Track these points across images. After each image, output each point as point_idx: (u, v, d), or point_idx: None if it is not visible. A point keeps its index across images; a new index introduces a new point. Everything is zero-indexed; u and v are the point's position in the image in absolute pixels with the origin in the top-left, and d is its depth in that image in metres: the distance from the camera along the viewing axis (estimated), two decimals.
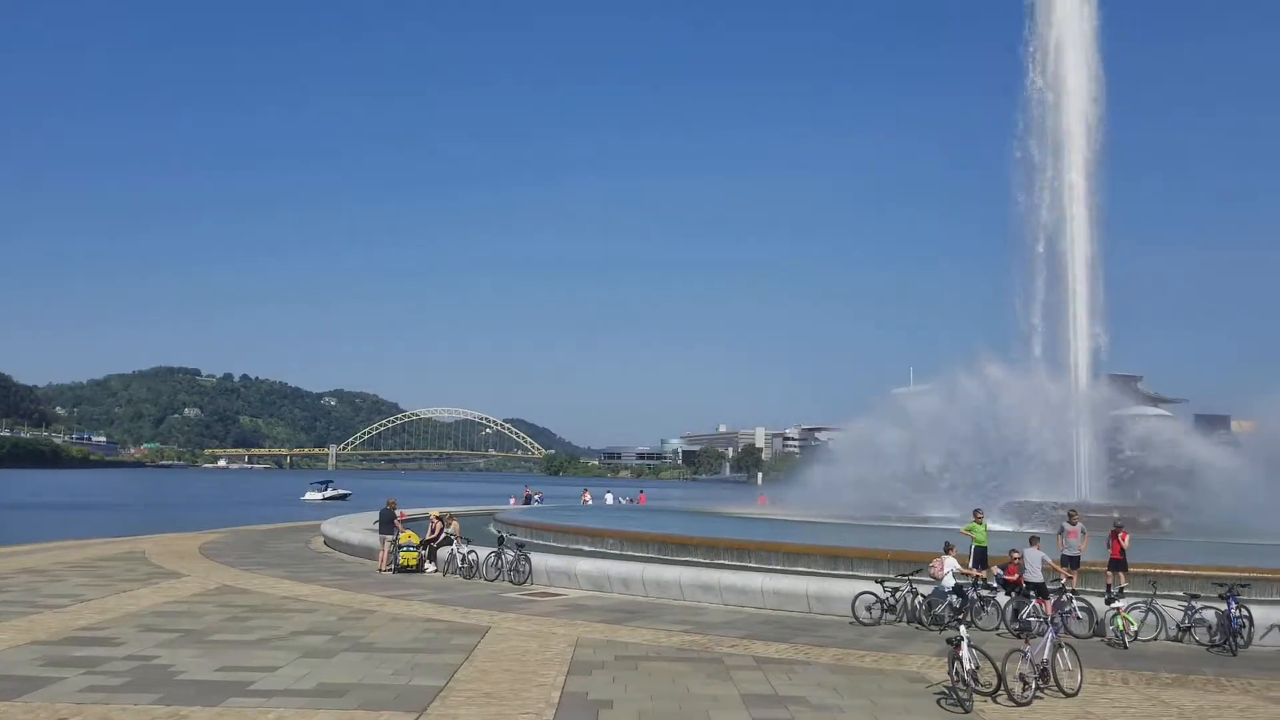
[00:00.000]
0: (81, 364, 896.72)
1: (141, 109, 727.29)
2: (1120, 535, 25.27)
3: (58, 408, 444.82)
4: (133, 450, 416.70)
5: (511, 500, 71.91)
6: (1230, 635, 20.50)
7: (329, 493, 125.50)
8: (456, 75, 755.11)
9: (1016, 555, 23.38)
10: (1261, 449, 53.19)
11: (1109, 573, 24.92)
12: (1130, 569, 25.02)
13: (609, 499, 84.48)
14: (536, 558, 29.54)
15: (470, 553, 30.89)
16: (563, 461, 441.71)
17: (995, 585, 23.44)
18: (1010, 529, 41.01)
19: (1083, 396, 52.49)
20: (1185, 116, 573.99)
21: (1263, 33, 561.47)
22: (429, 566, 32.21)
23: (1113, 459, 52.68)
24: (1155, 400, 73.07)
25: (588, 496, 77.76)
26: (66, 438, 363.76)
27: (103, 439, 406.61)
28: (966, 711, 14.58)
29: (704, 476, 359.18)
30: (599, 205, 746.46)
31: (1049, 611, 20.59)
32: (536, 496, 76.98)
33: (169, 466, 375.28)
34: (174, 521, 63.68)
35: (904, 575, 23.91)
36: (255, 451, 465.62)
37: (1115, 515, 26.92)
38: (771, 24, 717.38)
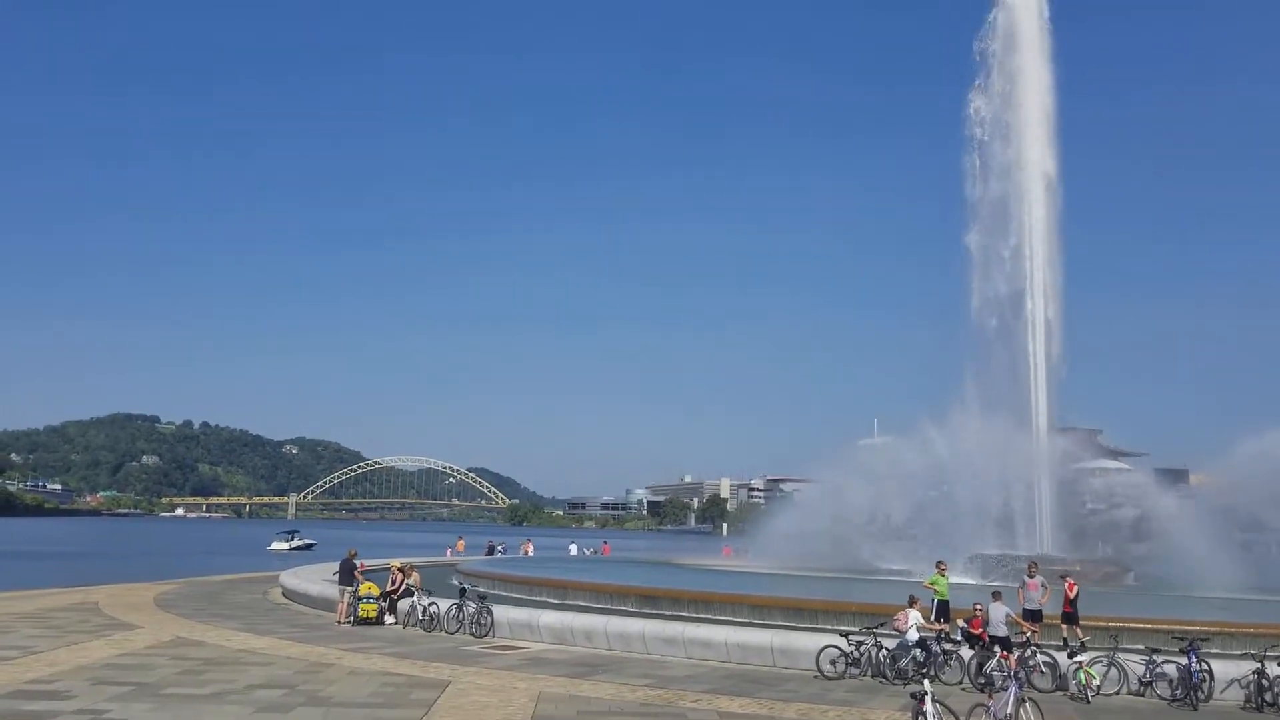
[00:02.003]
0: (38, 410, 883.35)
1: (99, 153, 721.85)
2: (1068, 586, 25.40)
3: (13, 454, 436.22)
4: (89, 498, 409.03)
5: (448, 551, 70.61)
6: (1191, 690, 20.60)
7: (295, 542, 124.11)
8: (414, 120, 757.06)
9: (980, 609, 23.43)
10: (1220, 502, 53.78)
11: (1064, 625, 25.02)
12: (1081, 621, 25.14)
13: (573, 550, 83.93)
14: (499, 610, 29.25)
15: (431, 605, 30.51)
16: (527, 511, 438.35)
17: (959, 639, 23.46)
18: (973, 582, 41.16)
19: (1043, 450, 52.93)
20: (1144, 170, 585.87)
21: (1220, 84, 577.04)
22: (389, 619, 31.74)
23: (1074, 512, 53.04)
24: (1115, 454, 73.82)
25: (529, 548, 76.08)
26: (21, 485, 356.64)
27: (58, 486, 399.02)
28: None
29: (669, 527, 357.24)
30: (563, 254, 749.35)
31: (1013, 665, 20.61)
32: (500, 548, 76.20)
33: (126, 515, 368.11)
34: (129, 571, 62.37)
35: (868, 629, 23.86)
36: (213, 500, 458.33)
37: (1039, 568, 27.02)
38: (737, 70, 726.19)
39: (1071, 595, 25.21)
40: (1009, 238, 55.66)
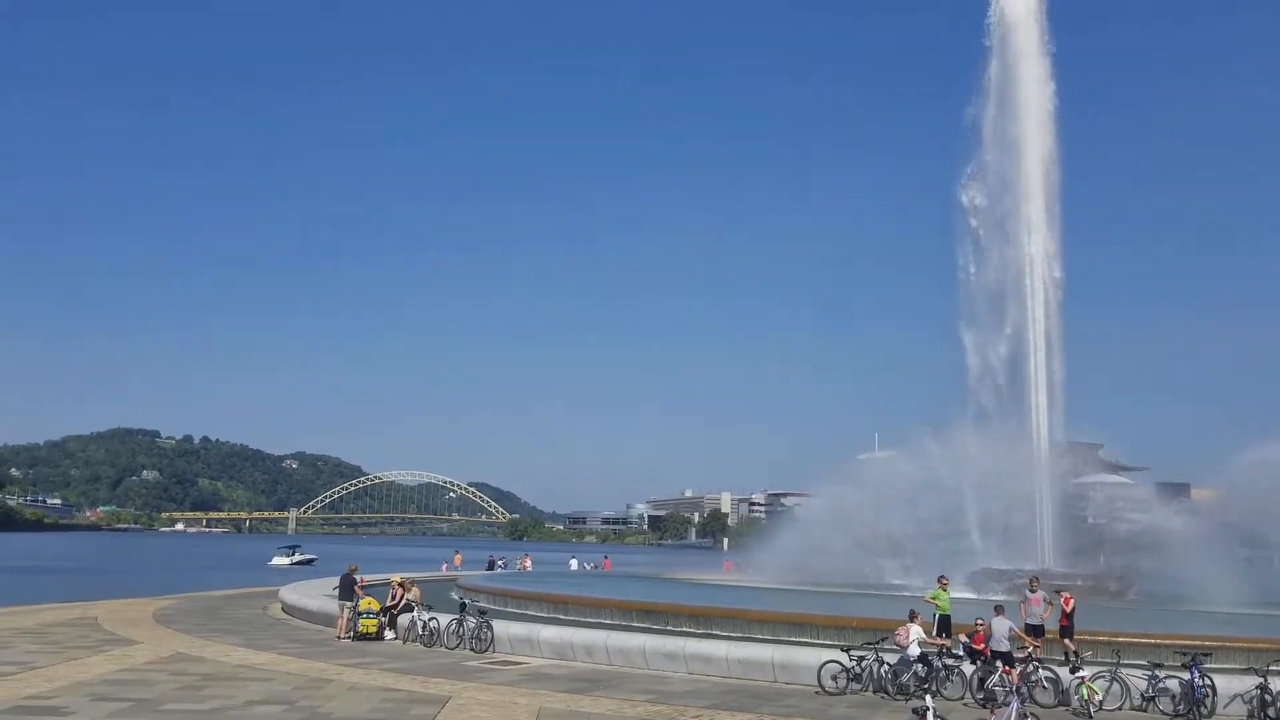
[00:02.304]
0: (38, 425, 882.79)
1: (96, 167, 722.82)
2: (1064, 600, 25.35)
3: (13, 469, 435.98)
4: (89, 513, 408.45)
5: (445, 566, 70.26)
6: (1194, 705, 20.53)
7: (296, 557, 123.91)
8: (414, 131, 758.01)
9: (982, 624, 23.37)
10: (1222, 517, 53.71)
11: (1061, 639, 24.97)
12: (1084, 636, 25.06)
13: (573, 565, 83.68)
14: (499, 625, 29.17)
15: (431, 620, 30.43)
16: (527, 526, 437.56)
17: (961, 654, 23.40)
18: (974, 596, 41.02)
19: (1044, 464, 52.91)
20: (1145, 183, 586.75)
21: (1221, 96, 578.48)
22: (389, 634, 31.66)
23: (1076, 526, 52.98)
24: (1116, 468, 73.64)
25: (527, 563, 76.14)
26: (21, 500, 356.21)
27: (58, 501, 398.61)
28: None
29: (669, 542, 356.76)
30: (562, 267, 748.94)
31: (1015, 680, 20.55)
32: (500, 563, 76.03)
33: (125, 530, 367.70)
34: (128, 587, 62.22)
35: (870, 644, 23.79)
36: (213, 515, 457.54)
37: (1033, 580, 27.00)
38: (741, 81, 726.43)
39: (1068, 609, 25.17)
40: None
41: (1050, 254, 55.42)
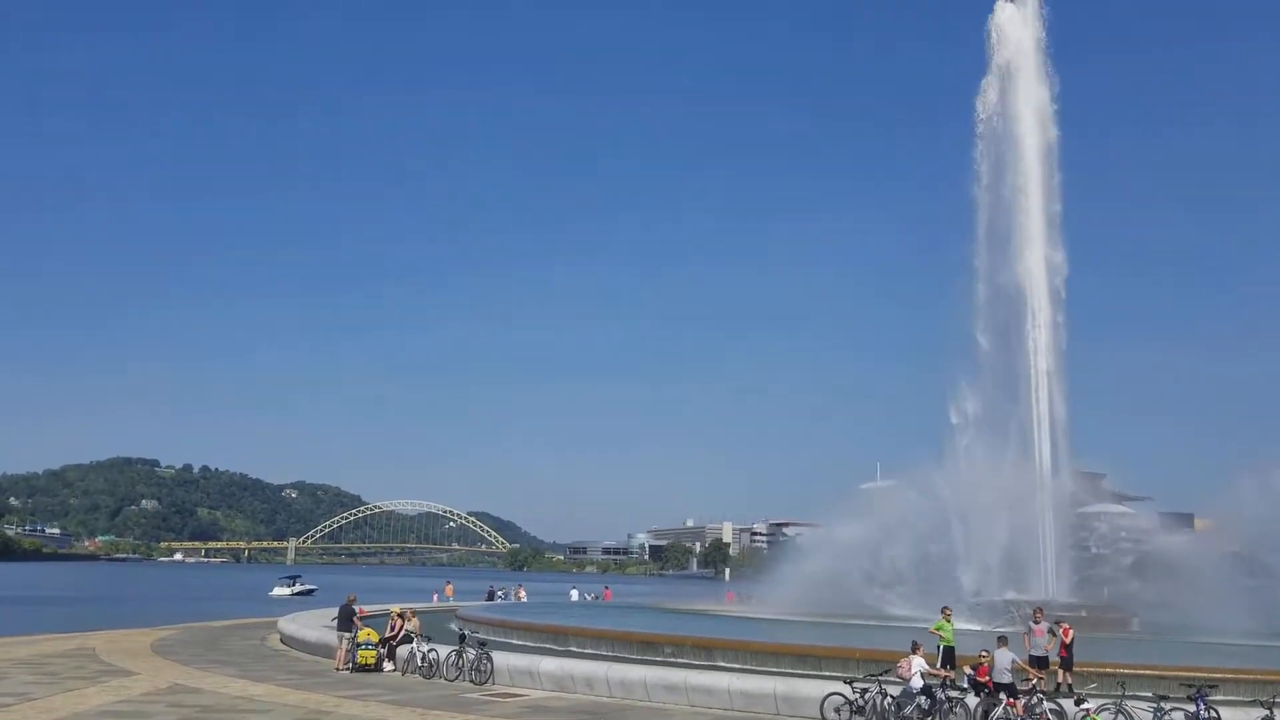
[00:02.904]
0: (37, 454, 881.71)
1: (98, 199, 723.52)
2: (1063, 632, 25.16)
3: (11, 498, 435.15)
4: (87, 543, 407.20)
5: (435, 596, 69.83)
6: None
7: (297, 588, 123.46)
8: (413, 160, 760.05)
9: (986, 655, 23.20)
10: (1226, 547, 53.51)
11: (1059, 670, 24.77)
12: (1088, 668, 24.90)
13: (574, 595, 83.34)
14: (499, 656, 28.97)
15: (431, 651, 30.22)
16: (527, 556, 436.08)
17: (965, 686, 23.21)
18: (978, 627, 40.77)
19: (1047, 494, 52.74)
20: (1147, 210, 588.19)
21: (1221, 125, 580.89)
22: (388, 665, 31.44)
23: (1079, 556, 52.76)
24: (1120, 498, 73.51)
25: (522, 593, 75.85)
26: (19, 529, 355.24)
27: (57, 531, 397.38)
28: None
29: (671, 572, 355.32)
30: (562, 298, 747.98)
31: (1019, 713, 20.36)
32: (500, 593, 75.70)
33: (124, 560, 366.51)
34: (126, 617, 61.93)
35: (873, 675, 23.59)
36: (212, 545, 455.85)
37: (1037, 611, 26.86)
38: (746, 111, 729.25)
39: (1067, 640, 25.02)
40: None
41: (1053, 282, 55.49)
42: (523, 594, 74.92)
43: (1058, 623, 25.98)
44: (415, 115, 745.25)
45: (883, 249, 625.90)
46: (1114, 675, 24.71)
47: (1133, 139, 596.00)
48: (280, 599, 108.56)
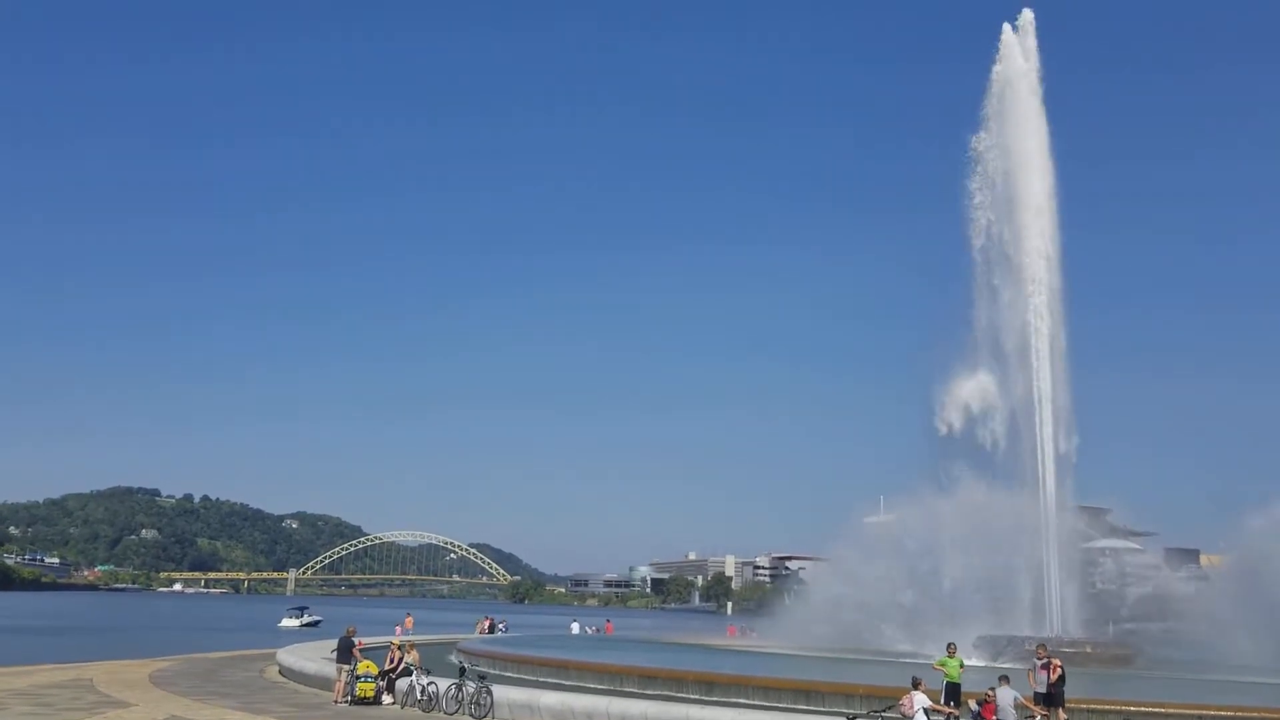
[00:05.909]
0: (37, 483, 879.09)
1: (97, 219, 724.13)
2: (1052, 668, 24.91)
3: (11, 527, 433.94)
4: (86, 573, 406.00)
5: (397, 629, 67.20)
6: None
7: (305, 619, 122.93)
8: (422, 182, 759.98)
9: (992, 693, 23.03)
10: (1232, 583, 53.20)
11: (1047, 708, 24.49)
12: (1093, 705, 24.68)
13: (575, 628, 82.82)
14: (499, 690, 28.76)
15: (430, 684, 30.02)
16: (528, 588, 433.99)
17: None
18: (982, 664, 40.48)
19: (1052, 529, 52.50)
20: (1146, 244, 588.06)
21: (1217, 155, 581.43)
22: (387, 698, 31.21)
23: (1084, 592, 52.47)
24: (1125, 533, 73.15)
25: (491, 625, 73.97)
26: (19, 558, 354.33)
27: (56, 560, 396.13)
28: None
29: (673, 605, 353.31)
30: (564, 328, 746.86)
31: None
32: (501, 625, 75.14)
33: (123, 590, 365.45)
34: (125, 648, 61.61)
35: (875, 712, 23.41)
36: (212, 575, 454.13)
37: (1040, 647, 26.67)
38: (747, 133, 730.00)
39: (1053, 678, 24.75)
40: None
41: (1055, 316, 55.57)
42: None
43: (1050, 659, 25.71)
44: (408, 138, 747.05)
45: (889, 279, 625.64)
46: (1119, 712, 24.51)
47: (1135, 166, 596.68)
48: (289, 630, 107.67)
